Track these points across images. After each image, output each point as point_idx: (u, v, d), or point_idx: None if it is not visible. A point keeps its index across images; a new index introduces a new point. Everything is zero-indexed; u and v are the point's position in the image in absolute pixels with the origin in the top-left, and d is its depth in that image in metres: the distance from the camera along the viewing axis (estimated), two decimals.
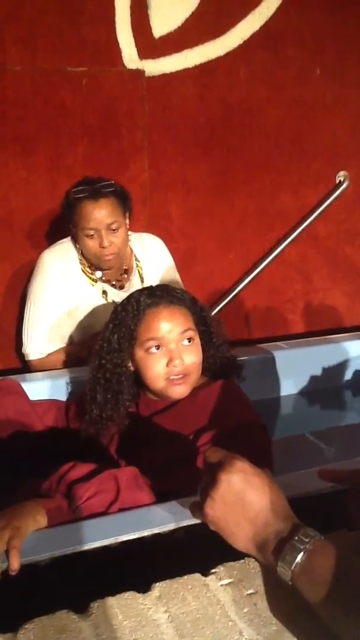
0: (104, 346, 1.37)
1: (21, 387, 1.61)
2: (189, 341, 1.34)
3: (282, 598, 0.83)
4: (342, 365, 2.24)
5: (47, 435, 1.55)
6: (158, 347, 1.32)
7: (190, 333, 1.34)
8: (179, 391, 1.33)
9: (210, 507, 0.79)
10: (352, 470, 1.03)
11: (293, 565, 0.72)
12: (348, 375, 2.23)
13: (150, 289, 1.41)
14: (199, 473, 1.21)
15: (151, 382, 1.34)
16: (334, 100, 2.73)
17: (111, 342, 1.36)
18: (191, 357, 1.33)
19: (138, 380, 1.39)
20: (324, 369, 2.22)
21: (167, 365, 1.31)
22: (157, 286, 1.43)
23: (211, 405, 1.33)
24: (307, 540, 0.73)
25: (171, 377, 1.32)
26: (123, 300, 1.42)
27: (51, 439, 1.55)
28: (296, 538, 0.73)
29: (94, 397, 1.37)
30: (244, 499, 0.78)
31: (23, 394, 1.60)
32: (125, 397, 1.37)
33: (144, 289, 1.43)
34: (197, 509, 0.82)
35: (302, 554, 0.72)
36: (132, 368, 1.38)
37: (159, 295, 1.36)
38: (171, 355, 1.31)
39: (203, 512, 0.80)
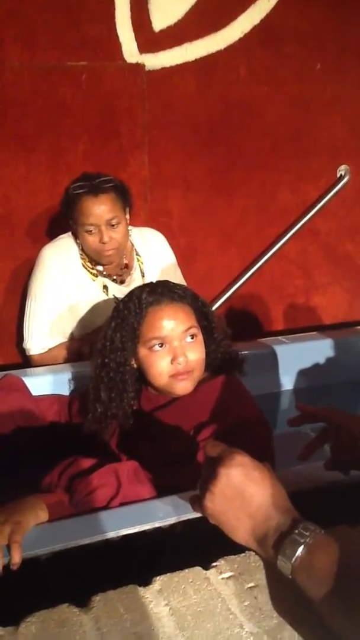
0: (106, 345, 1.37)
1: (24, 383, 1.62)
2: (192, 338, 1.34)
3: (283, 591, 0.83)
4: (343, 361, 2.24)
5: (50, 430, 1.56)
6: (161, 345, 1.32)
7: (193, 330, 1.34)
8: (183, 387, 1.33)
9: (210, 501, 0.79)
10: (327, 408, 1.04)
11: (293, 559, 0.72)
12: (349, 370, 2.23)
13: (151, 285, 1.41)
14: (199, 467, 1.21)
15: (155, 380, 1.34)
16: (334, 95, 2.72)
17: (114, 340, 1.35)
18: (195, 353, 1.33)
19: (140, 377, 1.39)
20: (325, 364, 2.21)
21: (171, 362, 1.31)
22: (158, 283, 1.42)
23: (212, 401, 1.33)
24: (307, 534, 0.73)
25: (175, 374, 1.32)
26: (124, 298, 1.41)
27: (54, 434, 1.56)
28: (296, 532, 0.73)
29: (97, 396, 1.37)
30: (243, 493, 0.78)
31: (26, 391, 1.60)
32: (130, 395, 1.37)
33: (144, 285, 1.42)
34: (197, 503, 0.82)
35: (302, 547, 0.72)
36: (135, 366, 1.37)
37: (161, 292, 1.35)
38: (175, 352, 1.31)
39: (203, 506, 0.80)
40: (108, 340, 1.36)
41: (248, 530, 0.78)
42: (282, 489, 0.80)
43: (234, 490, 0.78)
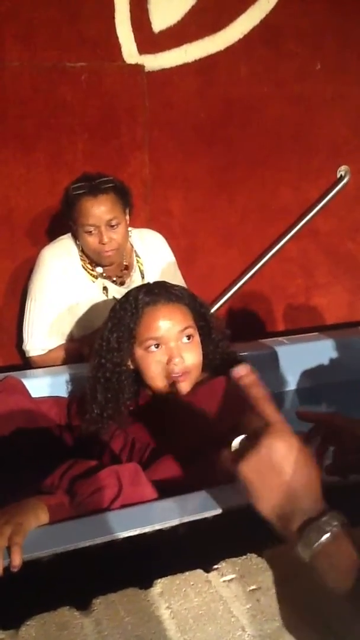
0: (103, 345, 1.37)
1: (24, 385, 1.61)
2: (189, 339, 1.33)
3: (285, 594, 0.83)
4: (343, 361, 2.23)
5: (50, 432, 1.55)
6: (157, 345, 1.32)
7: (190, 331, 1.34)
8: (180, 388, 1.33)
9: (247, 465, 0.78)
10: (329, 413, 1.04)
11: (315, 544, 0.72)
12: (350, 370, 2.22)
13: (148, 286, 1.40)
14: (199, 468, 1.21)
15: (151, 381, 1.34)
16: (335, 95, 2.72)
17: (110, 341, 1.35)
18: (191, 354, 1.33)
19: (138, 378, 1.39)
20: (326, 365, 2.21)
21: (167, 363, 1.31)
22: (155, 283, 1.42)
23: (211, 402, 1.32)
24: (335, 523, 0.73)
25: (171, 375, 1.31)
26: (121, 298, 1.41)
27: (54, 436, 1.55)
28: (324, 519, 0.73)
29: (94, 397, 1.37)
30: (282, 468, 0.76)
31: (26, 393, 1.60)
32: (126, 396, 1.37)
33: (141, 286, 1.42)
34: (232, 459, 0.80)
35: (327, 535, 0.72)
36: (131, 366, 1.37)
37: (157, 292, 1.35)
38: (171, 353, 1.31)
39: (238, 466, 0.78)
40: (105, 340, 1.36)
41: (274, 505, 0.77)
42: (319, 477, 0.79)
43: (273, 462, 0.77)
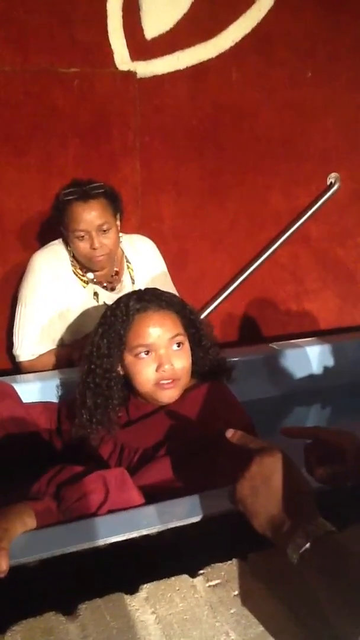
0: (93, 351, 1.37)
1: (14, 390, 1.61)
2: (178, 346, 1.34)
3: (269, 599, 0.83)
4: (333, 366, 2.25)
5: (40, 438, 1.55)
6: (147, 352, 1.32)
7: (180, 338, 1.35)
8: (169, 395, 1.33)
9: (240, 485, 0.85)
10: (312, 427, 1.10)
11: (303, 548, 0.75)
12: (339, 376, 2.24)
13: (139, 293, 1.41)
14: (186, 473, 1.21)
15: (141, 387, 1.34)
16: (325, 102, 2.74)
17: (100, 347, 1.36)
18: (181, 361, 1.34)
19: (127, 384, 1.39)
20: (315, 370, 2.22)
21: (157, 370, 1.32)
22: (146, 290, 1.43)
23: (200, 408, 1.33)
24: (321, 528, 0.76)
25: (161, 382, 1.32)
26: (112, 305, 1.42)
27: (44, 441, 1.55)
28: (312, 524, 0.77)
29: (83, 402, 1.38)
30: (271, 482, 0.82)
31: (17, 398, 1.59)
32: (115, 402, 1.37)
33: (132, 293, 1.42)
34: (231, 491, 0.87)
35: (314, 539, 0.75)
36: (121, 372, 1.38)
37: (148, 299, 1.36)
38: (161, 360, 1.31)
39: (233, 490, 0.85)
40: (95, 346, 1.37)
41: (267, 517, 0.81)
42: (308, 485, 0.84)
43: (263, 475, 0.83)
